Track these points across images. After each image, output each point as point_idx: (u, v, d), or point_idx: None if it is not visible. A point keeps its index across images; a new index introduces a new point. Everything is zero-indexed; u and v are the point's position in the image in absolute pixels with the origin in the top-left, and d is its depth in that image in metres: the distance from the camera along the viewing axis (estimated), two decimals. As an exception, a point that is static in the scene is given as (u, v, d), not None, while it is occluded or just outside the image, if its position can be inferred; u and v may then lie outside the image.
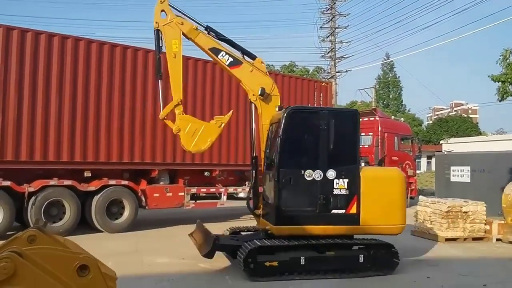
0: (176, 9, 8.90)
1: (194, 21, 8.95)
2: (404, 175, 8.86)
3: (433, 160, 53.85)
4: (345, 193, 8.25)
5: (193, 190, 13.87)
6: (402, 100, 72.70)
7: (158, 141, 12.91)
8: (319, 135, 8.42)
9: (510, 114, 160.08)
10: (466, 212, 11.94)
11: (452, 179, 18.75)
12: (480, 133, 58.14)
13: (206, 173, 14.19)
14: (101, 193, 12.02)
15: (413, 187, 20.47)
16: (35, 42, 11.12)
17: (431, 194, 22.66)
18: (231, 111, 9.58)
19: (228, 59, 8.97)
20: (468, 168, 18.06)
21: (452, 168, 18.90)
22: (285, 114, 8.31)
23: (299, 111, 8.96)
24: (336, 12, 35.64)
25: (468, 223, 11.94)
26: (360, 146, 19.34)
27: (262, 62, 9.27)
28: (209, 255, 8.23)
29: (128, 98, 12.45)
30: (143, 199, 12.75)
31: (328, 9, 35.56)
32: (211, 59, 9.94)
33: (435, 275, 8.40)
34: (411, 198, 20.04)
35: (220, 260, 8.98)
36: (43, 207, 11.14)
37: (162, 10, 8.82)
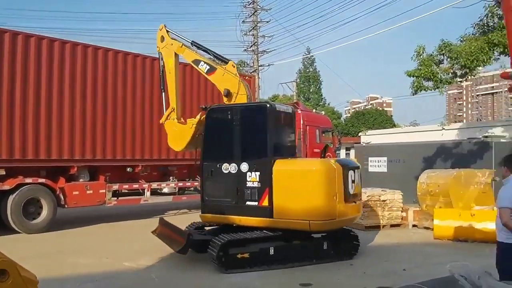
0: (172, 33, 10.61)
1: (184, 39, 10.49)
2: (336, 167, 8.30)
3: (351, 152, 55.95)
4: (257, 185, 8.44)
5: (115, 186, 13.46)
6: (322, 94, 74.65)
7: (77, 136, 12.36)
8: (233, 130, 8.91)
9: (422, 107, 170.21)
10: (384, 201, 12.50)
11: (370, 169, 19.55)
12: (394, 125, 61.08)
13: (128, 169, 13.80)
14: (17, 192, 11.35)
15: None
16: None
17: (350, 184, 23.53)
18: (199, 114, 9.82)
19: (206, 67, 9.96)
20: (385, 158, 18.92)
21: (370, 159, 19.70)
22: (206, 113, 9.22)
23: (216, 109, 9.52)
24: (258, 7, 35.86)
25: (386, 211, 12.52)
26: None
27: (233, 65, 9.80)
28: (183, 250, 8.17)
29: (44, 92, 11.79)
30: (62, 197, 12.17)
31: (250, 3, 35.70)
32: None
33: (357, 262, 8.71)
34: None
35: (146, 258, 8.79)
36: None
37: (162, 36, 10.69)
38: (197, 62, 10.15)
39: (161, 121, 10.83)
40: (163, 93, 10.87)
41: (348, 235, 9.07)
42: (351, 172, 8.62)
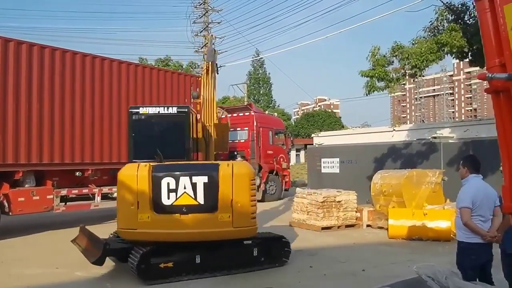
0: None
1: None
2: (140, 174, 7.62)
3: (302, 153, 56.53)
4: None
5: (63, 192, 12.85)
6: (272, 96, 75.13)
7: (22, 139, 11.68)
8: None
9: (368, 109, 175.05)
10: (339, 202, 12.58)
11: (323, 170, 19.72)
12: (343, 127, 62.29)
13: (77, 173, 13.21)
14: None
15: (287, 179, 21.25)
16: None
17: (302, 185, 23.65)
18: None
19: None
20: (338, 159, 19.11)
21: (323, 160, 19.86)
22: None
23: None
24: (209, 7, 35.58)
25: (342, 212, 12.61)
26: (237, 141, 19.78)
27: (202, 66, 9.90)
28: (99, 261, 7.56)
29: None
30: (6, 204, 11.46)
31: (201, 4, 35.37)
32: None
33: (316, 264, 8.66)
34: (285, 190, 20.81)
35: (98, 266, 8.38)
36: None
37: None
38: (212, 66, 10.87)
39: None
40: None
41: (279, 241, 8.60)
42: (168, 179, 7.54)
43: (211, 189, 7.51)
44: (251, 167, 8.22)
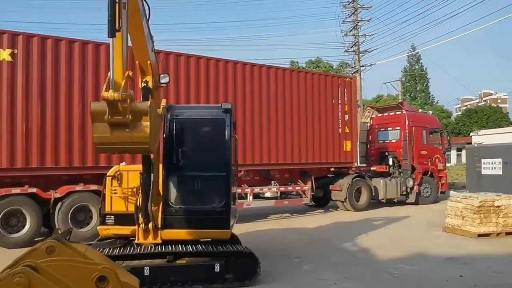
0: None
1: None
2: None
3: (463, 153, 52.88)
4: None
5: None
6: (429, 92, 71.52)
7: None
8: None
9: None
10: (498, 207, 11.55)
11: (483, 172, 18.20)
12: (510, 123, 56.70)
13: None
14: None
15: (443, 182, 20.00)
16: None
17: (462, 188, 22.15)
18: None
19: None
20: (500, 160, 17.53)
21: (483, 160, 18.35)
22: None
23: None
24: (358, 5, 35.10)
25: (501, 218, 11.56)
26: (388, 141, 19.24)
27: None
28: None
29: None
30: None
31: (350, 3, 35.09)
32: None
33: (468, 273, 8.08)
34: (441, 192, 19.63)
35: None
36: (69, 212, 11.17)
37: None
38: None
39: None
40: None
41: (246, 257, 7.44)
42: None
43: None
44: None
